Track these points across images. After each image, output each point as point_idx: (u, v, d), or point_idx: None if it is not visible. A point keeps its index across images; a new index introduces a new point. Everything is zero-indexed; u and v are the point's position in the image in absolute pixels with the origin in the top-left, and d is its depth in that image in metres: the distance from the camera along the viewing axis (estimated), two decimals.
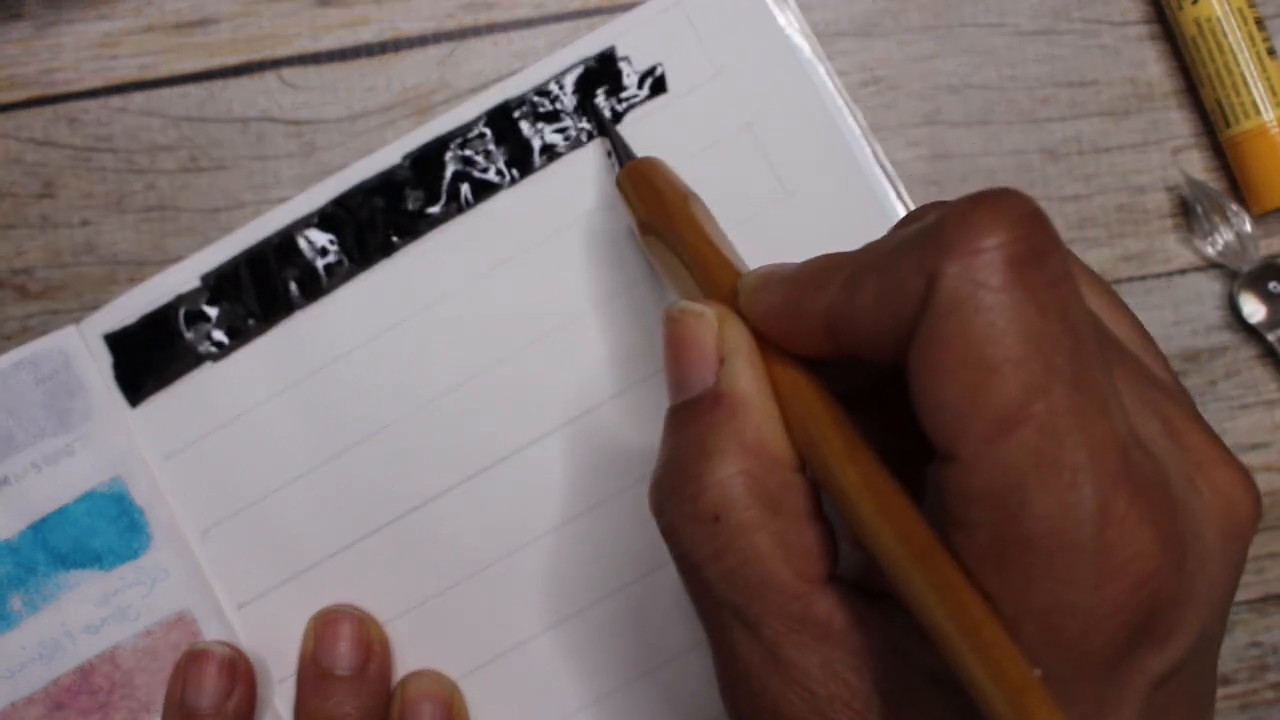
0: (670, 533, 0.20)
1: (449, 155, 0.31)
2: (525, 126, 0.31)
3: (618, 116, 0.31)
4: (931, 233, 0.17)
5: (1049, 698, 0.16)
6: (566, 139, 0.31)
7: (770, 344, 0.21)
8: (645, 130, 0.31)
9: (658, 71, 0.31)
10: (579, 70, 0.31)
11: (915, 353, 0.17)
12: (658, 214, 0.25)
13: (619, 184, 0.28)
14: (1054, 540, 0.16)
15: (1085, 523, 0.16)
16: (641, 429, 0.31)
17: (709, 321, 0.21)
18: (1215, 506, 0.19)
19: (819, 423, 0.19)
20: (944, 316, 0.17)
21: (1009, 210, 0.17)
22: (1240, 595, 0.32)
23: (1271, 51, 0.31)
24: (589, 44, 0.31)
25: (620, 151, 0.30)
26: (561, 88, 0.31)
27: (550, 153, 0.31)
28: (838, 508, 0.19)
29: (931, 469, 0.18)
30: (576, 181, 0.31)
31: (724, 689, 0.20)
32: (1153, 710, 0.18)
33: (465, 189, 0.31)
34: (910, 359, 0.17)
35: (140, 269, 0.32)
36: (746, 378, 0.20)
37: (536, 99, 0.31)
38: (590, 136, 0.31)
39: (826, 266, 0.19)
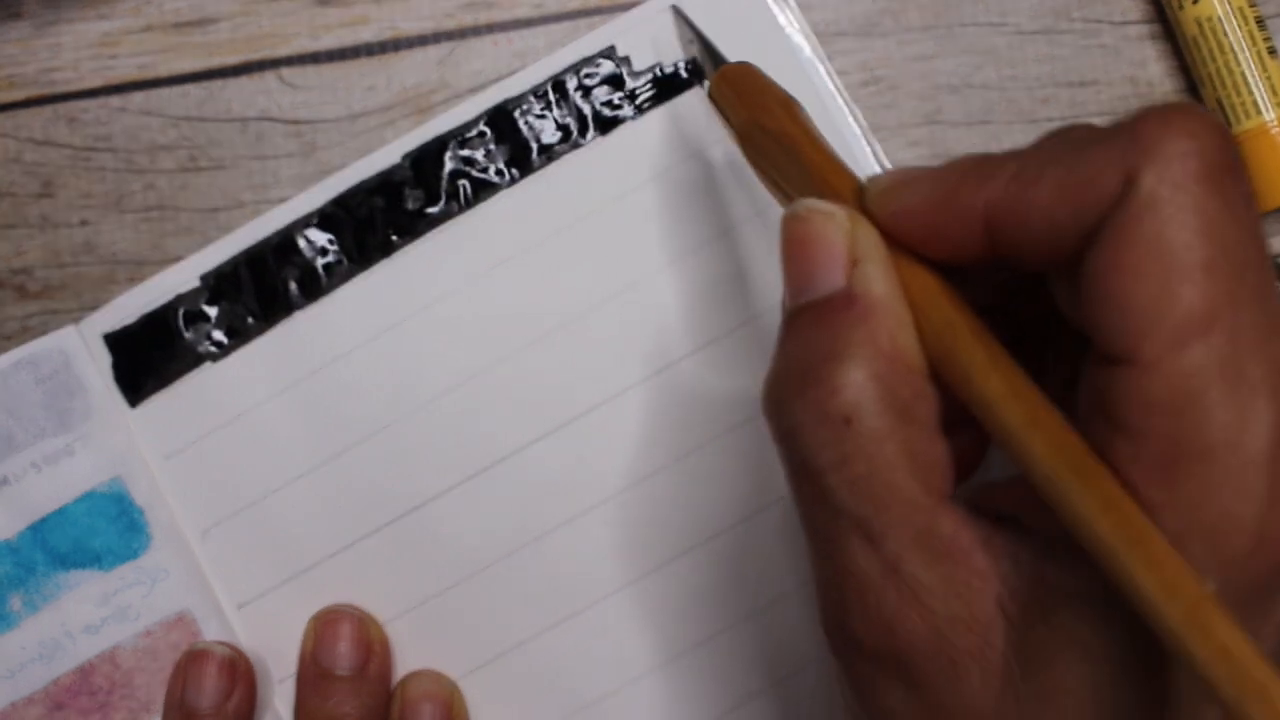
0: (791, 435, 0.19)
1: (449, 155, 0.31)
2: (525, 126, 0.31)
3: (617, 119, 0.31)
4: (1130, 132, 0.17)
5: (1227, 613, 0.15)
6: (566, 139, 0.31)
7: (902, 248, 0.20)
8: (646, 130, 0.31)
9: (668, 70, 0.31)
10: (580, 69, 0.31)
11: (1101, 251, 0.17)
12: (761, 118, 0.24)
13: (711, 92, 0.26)
14: (1231, 452, 0.16)
15: (1263, 437, 0.16)
16: (642, 429, 0.30)
17: (840, 221, 0.20)
18: None
19: (958, 331, 0.19)
20: (1140, 215, 0.16)
21: (1206, 121, 0.17)
22: None
23: (1272, 51, 0.31)
24: (588, 43, 0.31)
25: (710, 57, 0.28)
26: (561, 87, 0.31)
27: (550, 152, 0.31)
28: (980, 419, 0.18)
29: (1096, 375, 0.17)
30: (576, 181, 0.31)
31: (832, 607, 0.19)
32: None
33: (465, 189, 0.31)
34: (1093, 257, 0.17)
35: (140, 269, 0.32)
36: (881, 280, 0.19)
37: (536, 98, 0.31)
38: (589, 136, 0.31)
39: (987, 161, 0.19)
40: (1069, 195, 0.17)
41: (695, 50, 0.29)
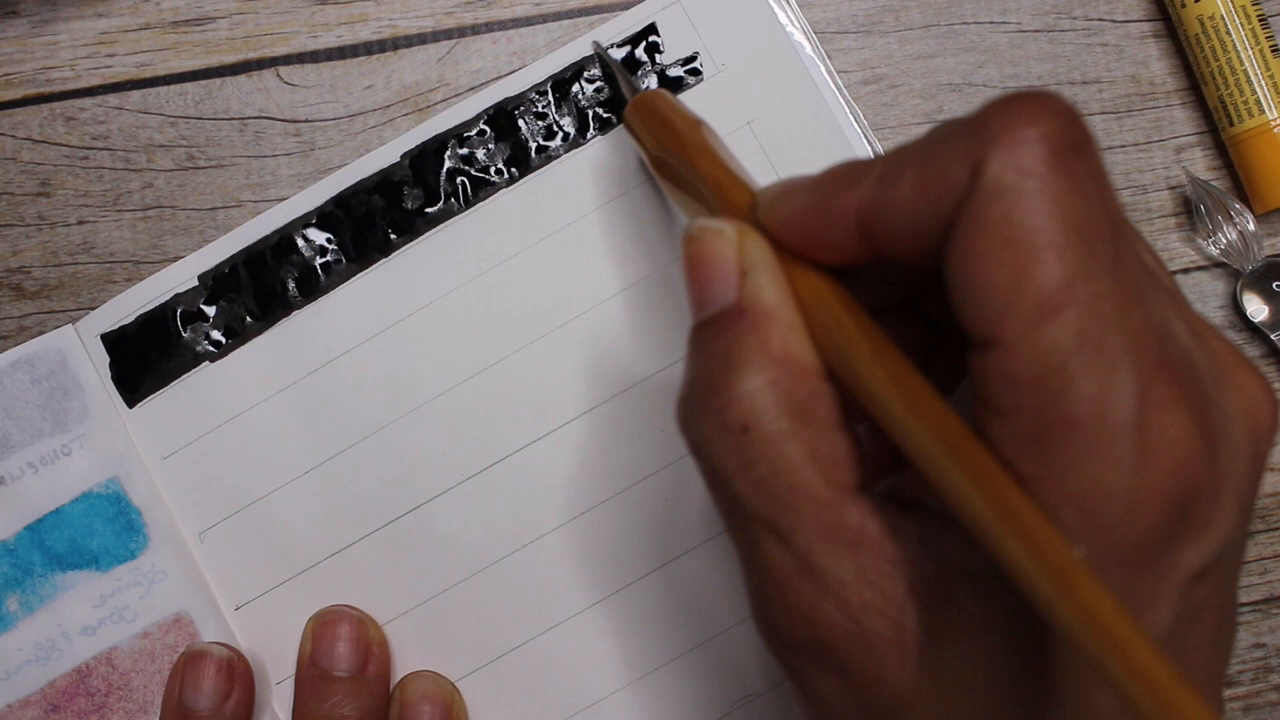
0: (699, 447, 0.20)
1: (448, 154, 0.31)
2: (524, 125, 0.31)
3: (616, 119, 0.31)
4: (975, 124, 0.17)
5: (1093, 576, 0.16)
6: (565, 138, 0.31)
7: (791, 255, 0.21)
8: None
9: (670, 68, 0.31)
10: (581, 69, 0.31)
11: (957, 240, 0.17)
12: (668, 142, 0.25)
13: (626, 118, 0.28)
14: (1096, 422, 0.16)
15: (1126, 404, 0.16)
16: (641, 429, 0.30)
17: (728, 237, 0.21)
18: (1240, 407, 0.19)
19: (843, 327, 0.19)
20: (988, 202, 0.17)
21: (1050, 104, 0.17)
22: (1244, 597, 0.32)
23: (1275, 50, 0.30)
24: (587, 42, 0.31)
25: (626, 86, 0.30)
26: (562, 86, 0.31)
27: (549, 152, 0.31)
28: (868, 410, 0.19)
29: (970, 360, 0.18)
30: (575, 180, 0.31)
31: (756, 605, 0.20)
32: (1188, 607, 0.18)
33: (464, 188, 0.31)
34: (951, 247, 0.18)
35: (137, 268, 0.32)
36: (769, 289, 0.20)
37: (535, 97, 0.31)
38: (588, 135, 0.31)
39: (854, 167, 0.20)
40: (925, 190, 0.18)
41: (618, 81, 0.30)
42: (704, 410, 0.20)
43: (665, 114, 0.26)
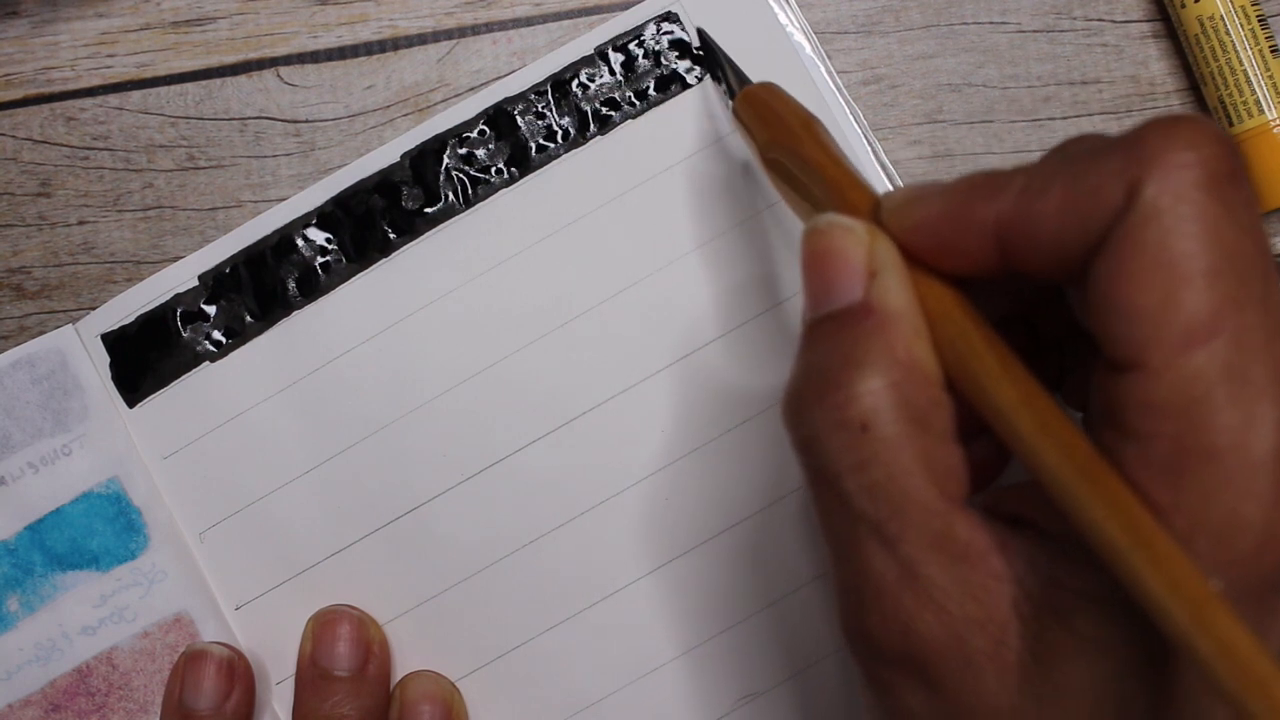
0: (810, 442, 0.20)
1: (448, 154, 0.31)
2: (524, 125, 0.31)
3: (616, 118, 0.31)
4: (1131, 144, 0.17)
5: (1230, 609, 0.16)
6: (566, 137, 0.31)
7: (917, 262, 0.20)
8: (645, 128, 0.31)
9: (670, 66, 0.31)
10: (581, 68, 0.31)
11: (1106, 259, 0.17)
12: (781, 139, 0.24)
13: (735, 110, 0.27)
14: (1237, 454, 0.16)
15: (1269, 439, 0.16)
16: (642, 428, 0.30)
17: (859, 235, 0.20)
18: None
19: (971, 340, 0.19)
20: (1144, 224, 0.17)
21: (1209, 130, 0.17)
22: None
23: (1274, 50, 0.30)
24: (587, 42, 0.31)
25: (734, 77, 0.29)
26: (562, 86, 0.31)
27: (549, 152, 0.31)
28: (992, 425, 0.19)
29: (1105, 382, 0.18)
30: (575, 180, 0.31)
31: (850, 611, 0.20)
32: None
33: (464, 188, 0.31)
34: (1099, 266, 0.17)
35: (138, 268, 0.32)
36: (898, 292, 0.20)
37: (535, 97, 0.31)
38: (588, 135, 0.31)
39: (996, 176, 0.19)
40: (1074, 207, 0.18)
41: (720, 70, 0.30)
42: (820, 405, 0.19)
43: (778, 109, 0.25)
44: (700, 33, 0.30)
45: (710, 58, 0.30)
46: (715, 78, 0.30)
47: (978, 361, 0.19)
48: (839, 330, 0.20)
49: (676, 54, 0.31)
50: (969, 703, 0.18)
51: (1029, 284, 0.21)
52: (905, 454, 0.19)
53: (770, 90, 0.26)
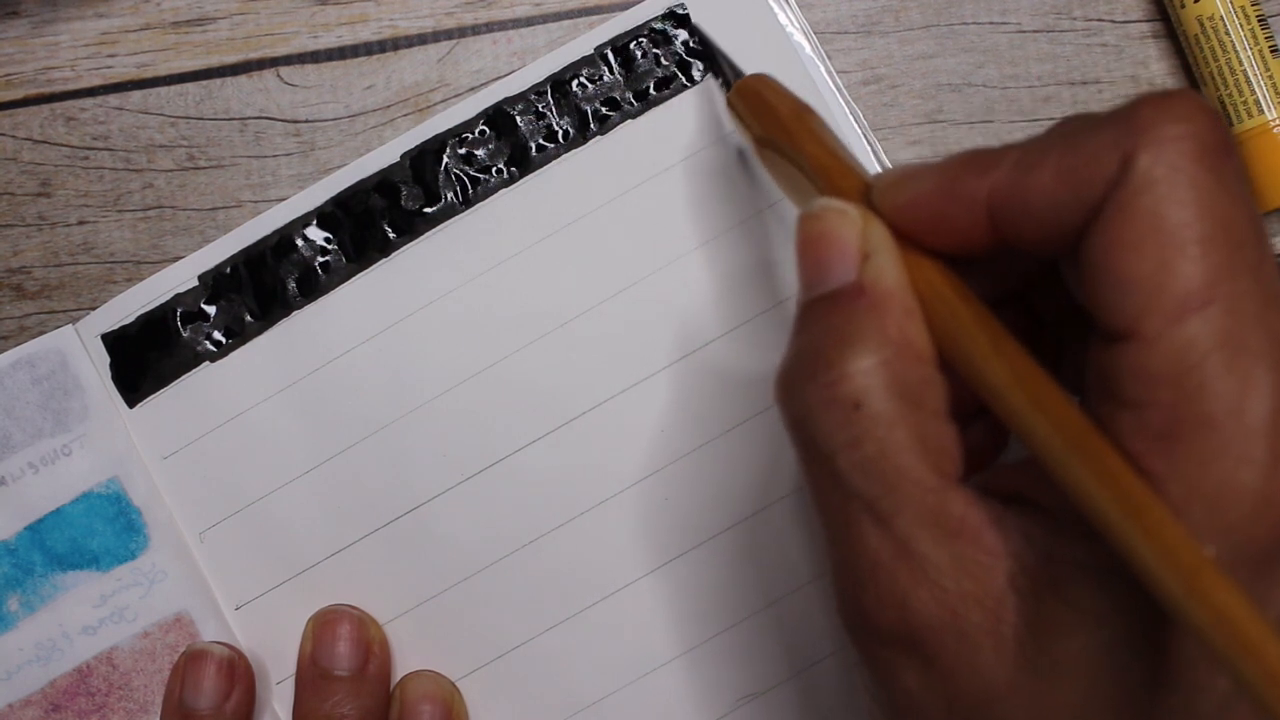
0: (803, 420, 0.20)
1: (447, 154, 0.31)
2: (524, 125, 0.31)
3: (616, 118, 0.31)
4: (1125, 116, 0.18)
5: (1225, 576, 0.16)
6: (565, 138, 0.31)
7: (909, 243, 0.20)
8: (645, 128, 0.31)
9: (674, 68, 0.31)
10: (580, 68, 0.31)
11: (1100, 230, 0.17)
12: (774, 128, 0.25)
13: (730, 103, 0.27)
14: (1232, 421, 0.16)
15: (1264, 405, 0.16)
16: (642, 428, 0.30)
17: (852, 218, 0.20)
18: None
19: (961, 318, 0.19)
20: (1138, 194, 0.17)
21: (1200, 104, 0.17)
22: None
23: (1274, 50, 0.30)
24: (587, 42, 0.31)
25: (728, 69, 0.29)
26: (562, 86, 0.31)
27: (549, 152, 0.31)
28: (986, 402, 0.19)
29: (1100, 352, 0.18)
30: (575, 180, 0.31)
31: (846, 588, 0.20)
32: None
33: (464, 187, 0.31)
34: (1093, 237, 0.17)
35: (138, 268, 0.32)
36: (891, 272, 0.20)
37: (535, 97, 0.31)
38: (588, 134, 0.31)
39: (985, 153, 0.19)
40: (1069, 178, 0.18)
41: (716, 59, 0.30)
42: (813, 383, 0.19)
43: (770, 100, 0.26)
44: (694, 28, 0.30)
45: (706, 51, 0.30)
46: (713, 72, 0.30)
47: (969, 340, 0.19)
48: (832, 311, 0.20)
49: (676, 54, 0.31)
50: (966, 678, 0.18)
51: (1024, 262, 0.21)
52: (898, 431, 0.19)
53: (763, 81, 0.27)
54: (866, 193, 0.21)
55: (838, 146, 0.23)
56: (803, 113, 0.25)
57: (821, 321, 0.20)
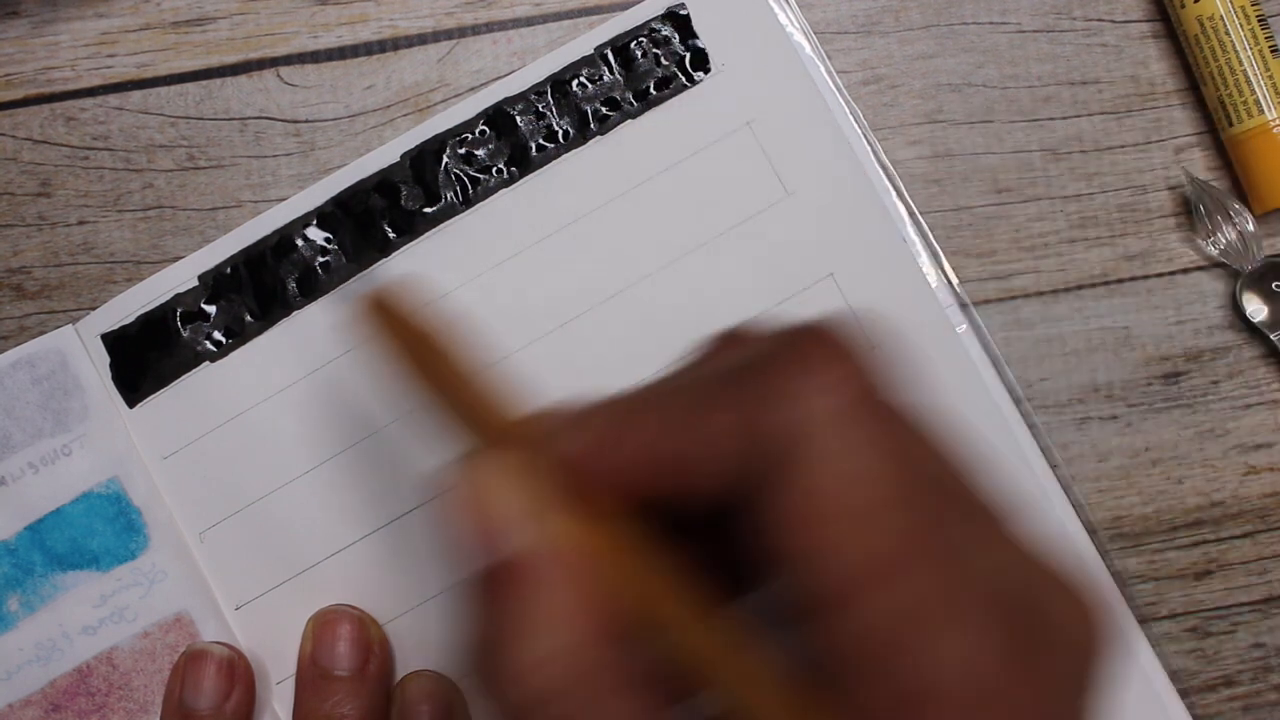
0: (510, 712, 0.18)
1: (447, 154, 0.31)
2: (524, 125, 0.31)
3: (616, 118, 0.31)
4: (755, 379, 0.17)
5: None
6: (565, 138, 0.31)
7: (585, 488, 0.19)
8: (645, 128, 0.31)
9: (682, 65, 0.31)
10: (581, 68, 0.31)
11: (763, 504, 0.16)
12: (409, 364, 0.22)
13: (358, 323, 0.23)
14: (934, 692, 0.15)
15: (963, 666, 0.16)
16: None
17: (514, 473, 0.19)
18: (1071, 621, 0.17)
19: (642, 577, 0.18)
20: (800, 468, 0.16)
21: (842, 346, 0.17)
22: (1244, 597, 0.32)
23: (1274, 50, 0.30)
24: (587, 42, 0.31)
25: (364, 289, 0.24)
26: (561, 86, 0.31)
27: (549, 152, 0.31)
28: (681, 662, 0.18)
29: (791, 618, 0.17)
30: (575, 180, 0.31)
31: None
32: None
33: (464, 187, 0.31)
34: (760, 505, 0.17)
35: (138, 268, 0.32)
36: (561, 532, 0.18)
37: (535, 97, 0.31)
38: (587, 136, 0.31)
39: (654, 395, 0.19)
40: (733, 438, 0.17)
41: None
42: (501, 678, 0.17)
43: (397, 331, 0.22)
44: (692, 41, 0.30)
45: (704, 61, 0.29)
46: None
47: (655, 604, 0.18)
48: (503, 588, 0.18)
49: (676, 54, 0.31)
50: None
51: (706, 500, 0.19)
52: (593, 710, 0.17)
53: (388, 302, 0.22)
54: (527, 437, 0.19)
55: (486, 378, 0.21)
56: (433, 342, 0.22)
57: (494, 603, 0.18)
